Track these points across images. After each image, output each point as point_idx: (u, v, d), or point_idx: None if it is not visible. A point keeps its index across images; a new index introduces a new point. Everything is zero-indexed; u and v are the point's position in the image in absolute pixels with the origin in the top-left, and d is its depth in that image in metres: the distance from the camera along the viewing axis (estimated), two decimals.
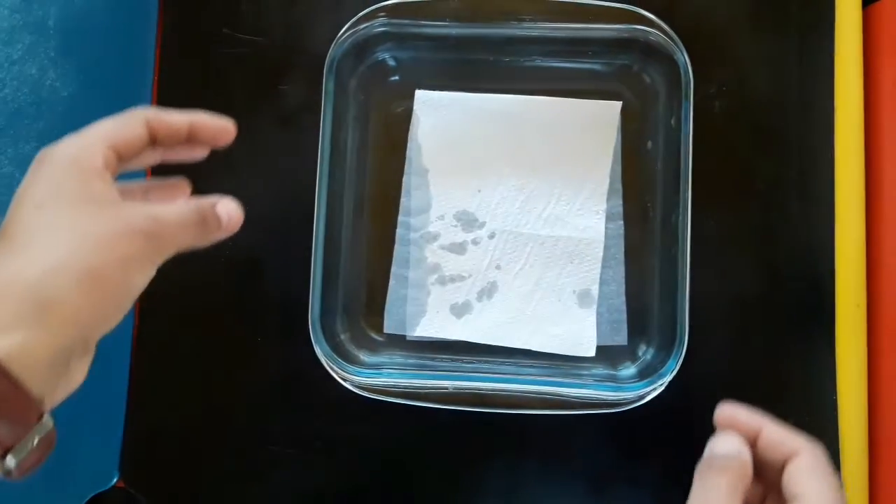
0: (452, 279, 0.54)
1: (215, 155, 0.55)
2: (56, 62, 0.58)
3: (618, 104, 0.54)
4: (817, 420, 0.52)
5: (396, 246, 0.55)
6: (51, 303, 0.33)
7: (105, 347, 0.54)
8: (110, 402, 0.55)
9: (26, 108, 0.57)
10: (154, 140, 0.41)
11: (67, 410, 0.54)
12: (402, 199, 0.55)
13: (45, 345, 0.33)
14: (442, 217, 0.54)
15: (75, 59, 0.58)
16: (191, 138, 0.43)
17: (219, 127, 0.43)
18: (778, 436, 0.41)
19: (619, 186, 0.54)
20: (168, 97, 0.57)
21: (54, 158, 0.37)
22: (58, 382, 0.35)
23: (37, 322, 0.32)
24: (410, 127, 0.55)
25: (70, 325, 0.33)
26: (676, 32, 0.51)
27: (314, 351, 0.50)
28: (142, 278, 0.37)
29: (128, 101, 0.57)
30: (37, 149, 0.57)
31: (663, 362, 0.49)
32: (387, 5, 0.51)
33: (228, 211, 0.41)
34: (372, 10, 0.51)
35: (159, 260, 0.37)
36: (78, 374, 0.36)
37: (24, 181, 0.37)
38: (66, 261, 0.34)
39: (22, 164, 0.57)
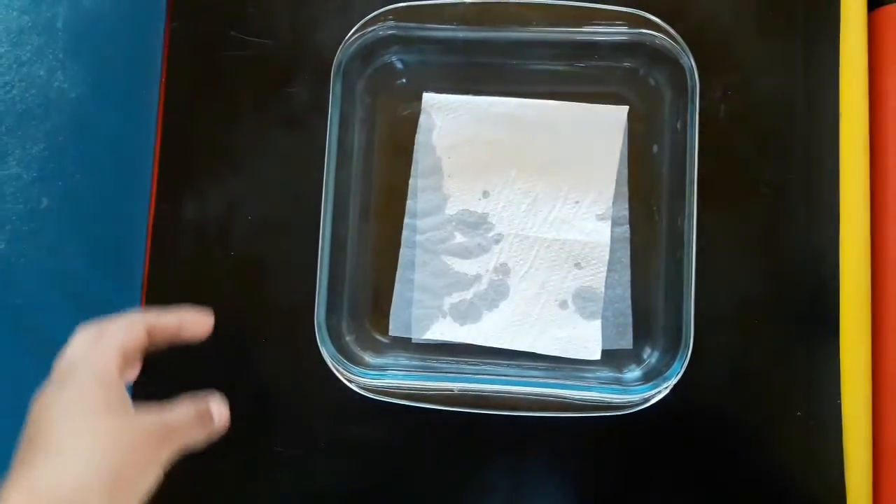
0: (458, 282, 0.54)
1: (222, 156, 0.56)
2: (64, 64, 0.58)
3: (625, 108, 0.54)
4: (821, 423, 0.52)
5: (402, 249, 0.55)
6: None
7: None
8: None
9: (34, 109, 0.58)
10: (152, 342, 0.47)
11: None
12: (409, 202, 0.55)
13: None
14: (448, 220, 0.55)
15: (83, 60, 0.58)
16: (179, 331, 0.48)
17: (201, 324, 0.49)
18: None
19: (625, 190, 0.54)
20: (175, 99, 0.57)
21: (77, 371, 0.42)
22: None
23: None
24: (417, 129, 0.55)
25: None
26: (683, 36, 0.51)
27: (319, 352, 0.50)
28: (153, 479, 0.41)
29: (135, 103, 0.57)
30: (45, 150, 0.58)
31: (668, 365, 0.49)
32: (394, 8, 0.52)
33: (219, 411, 0.46)
34: (380, 14, 0.52)
35: (166, 461, 0.42)
36: None
37: (47, 389, 0.42)
38: (92, 473, 0.38)
39: (29, 165, 0.57)
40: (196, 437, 0.45)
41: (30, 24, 0.59)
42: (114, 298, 0.56)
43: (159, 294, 0.56)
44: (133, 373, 0.48)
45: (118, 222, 0.57)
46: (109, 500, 0.38)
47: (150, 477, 0.41)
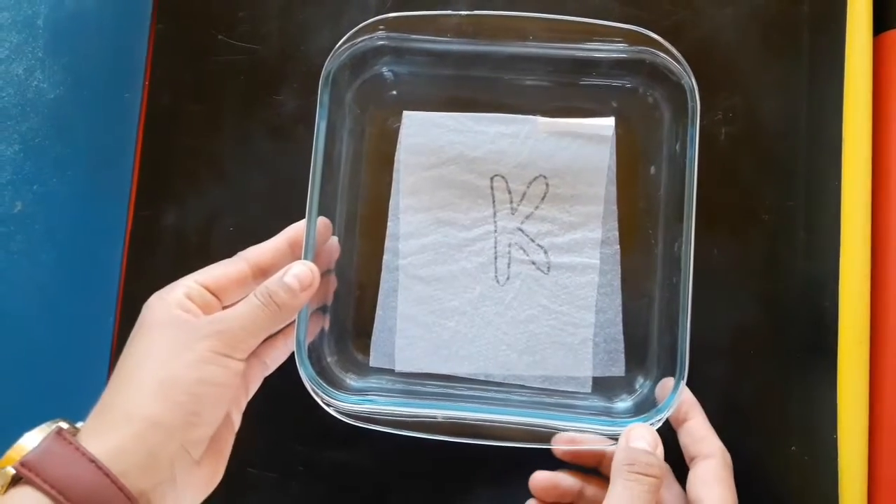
0: (443, 309, 0.52)
1: (205, 164, 0.54)
2: (44, 62, 0.57)
3: (611, 121, 0.52)
4: (816, 459, 0.51)
5: (383, 273, 0.53)
6: (133, 414, 0.40)
7: (81, 360, 0.53)
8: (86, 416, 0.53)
9: (11, 108, 0.56)
10: (260, 267, 0.47)
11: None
12: (389, 224, 0.53)
13: (133, 448, 0.39)
14: (431, 243, 0.53)
15: (64, 60, 0.57)
16: (296, 250, 0.48)
17: (325, 233, 0.49)
18: (702, 432, 0.46)
19: (614, 209, 0.52)
20: (158, 103, 0.55)
21: (148, 302, 0.44)
22: (159, 485, 0.40)
23: (125, 430, 0.39)
24: (397, 148, 0.53)
25: (152, 428, 0.40)
26: (685, 56, 0.49)
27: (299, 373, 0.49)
28: (216, 371, 0.42)
29: (116, 106, 0.56)
30: (20, 151, 0.57)
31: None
32: (386, 18, 0.50)
33: (298, 277, 0.45)
34: (371, 23, 0.50)
35: (232, 352, 0.43)
36: (191, 485, 0.42)
37: None
38: (141, 378, 0.41)
39: (3, 167, 0.56)
40: (273, 322, 0.44)
41: (9, 20, 0.57)
42: (88, 307, 0.55)
43: (135, 304, 0.53)
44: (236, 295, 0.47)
45: (95, 229, 0.55)
46: (164, 403, 0.40)
47: (209, 373, 0.41)
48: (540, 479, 0.48)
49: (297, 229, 0.48)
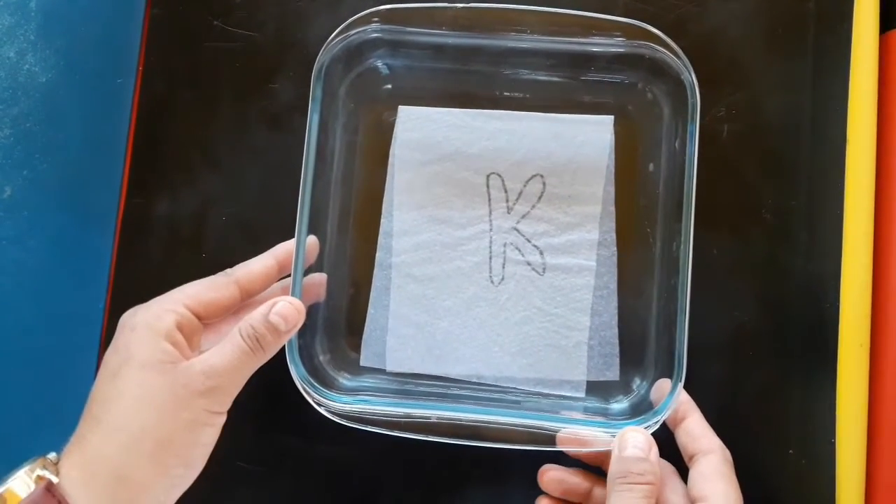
0: (435, 308, 0.51)
1: (198, 151, 0.53)
2: (36, 46, 0.56)
3: (609, 118, 0.51)
4: (814, 463, 0.50)
5: (376, 271, 0.52)
6: (127, 476, 0.39)
7: (70, 349, 0.53)
8: (78, 414, 0.53)
9: (1, 92, 0.56)
10: (249, 293, 0.46)
11: (29, 427, 0.52)
12: (383, 221, 0.52)
13: None
14: (425, 241, 0.52)
15: (56, 43, 0.56)
16: (283, 272, 0.48)
17: (312, 251, 0.48)
18: (700, 430, 0.46)
19: (612, 209, 0.52)
20: (152, 89, 0.55)
21: (132, 323, 0.42)
22: None
23: (115, 492, 0.39)
24: (392, 144, 0.52)
25: (144, 491, 0.40)
26: (687, 52, 0.48)
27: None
28: (209, 432, 0.42)
29: (109, 91, 0.55)
30: (10, 136, 0.56)
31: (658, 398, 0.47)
32: (381, 10, 0.49)
33: (283, 315, 0.43)
34: (365, 15, 0.49)
35: (224, 408, 0.42)
36: None
37: (109, 348, 0.42)
38: (137, 436, 0.39)
39: None
40: (257, 365, 0.43)
41: (1, 2, 0.56)
42: (77, 295, 0.54)
43: (126, 293, 0.53)
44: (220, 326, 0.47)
45: (85, 216, 0.55)
46: (159, 465, 0.40)
47: (203, 433, 0.41)
48: (549, 471, 0.48)
49: (285, 249, 0.48)
